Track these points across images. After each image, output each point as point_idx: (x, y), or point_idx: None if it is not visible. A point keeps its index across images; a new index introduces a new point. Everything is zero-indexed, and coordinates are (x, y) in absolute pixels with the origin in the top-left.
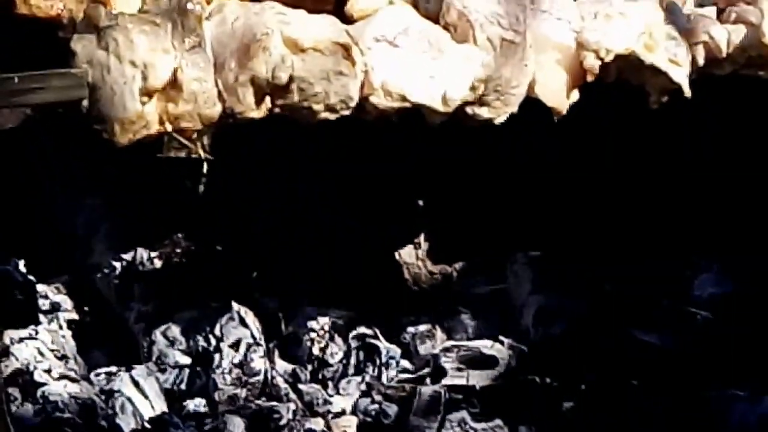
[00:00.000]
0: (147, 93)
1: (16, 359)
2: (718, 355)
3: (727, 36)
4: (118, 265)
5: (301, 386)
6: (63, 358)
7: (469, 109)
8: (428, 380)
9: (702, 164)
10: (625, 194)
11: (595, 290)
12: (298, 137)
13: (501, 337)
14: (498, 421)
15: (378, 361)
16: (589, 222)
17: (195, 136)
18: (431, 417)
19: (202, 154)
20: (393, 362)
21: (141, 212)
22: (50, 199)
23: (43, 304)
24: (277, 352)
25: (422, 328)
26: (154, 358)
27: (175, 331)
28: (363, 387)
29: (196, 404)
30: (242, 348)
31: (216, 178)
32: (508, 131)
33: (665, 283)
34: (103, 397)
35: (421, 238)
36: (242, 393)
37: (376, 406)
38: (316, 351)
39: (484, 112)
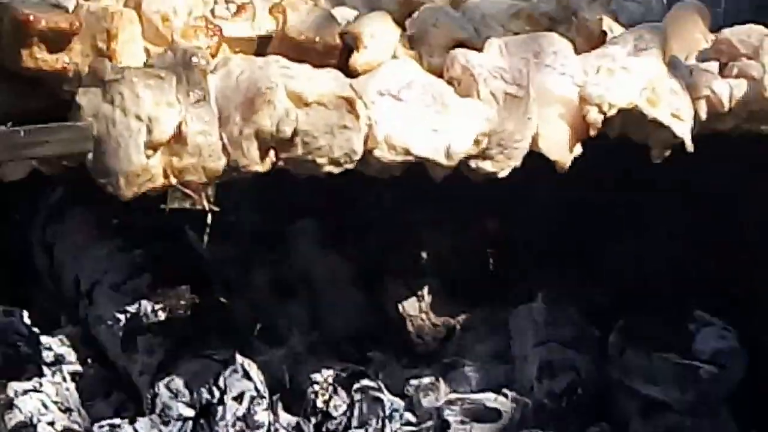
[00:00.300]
0: (152, 146)
1: (20, 411)
2: (721, 408)
3: (729, 90)
4: (122, 317)
5: None
6: (67, 410)
7: (472, 163)
8: None
9: (704, 219)
10: (628, 248)
11: (598, 343)
12: (302, 189)
13: (504, 390)
14: None
15: (381, 414)
16: (593, 275)
17: (199, 188)
18: None
19: (206, 205)
20: (396, 415)
21: (145, 264)
22: (55, 250)
23: (47, 356)
24: (280, 405)
25: (426, 380)
26: (157, 411)
27: (178, 383)
28: None
29: None
30: (246, 400)
31: (220, 229)
32: (511, 185)
33: (668, 336)
34: None
35: (425, 290)
36: None
37: None
38: (319, 403)
39: (487, 166)
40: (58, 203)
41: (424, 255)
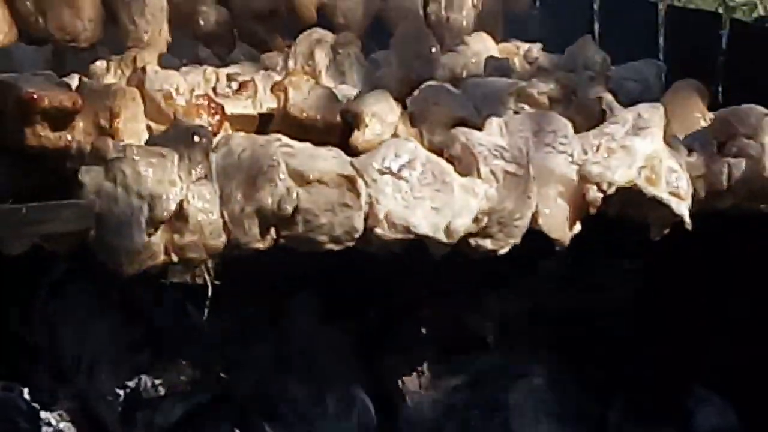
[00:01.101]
0: (154, 224)
1: None
2: None
3: (728, 169)
4: (121, 392)
5: None
6: None
7: (472, 241)
8: None
9: (703, 296)
10: (627, 325)
11: (597, 419)
12: (301, 264)
13: None
14: None
15: None
16: (592, 352)
17: (200, 264)
18: None
19: (207, 280)
20: None
21: (145, 339)
22: (55, 326)
23: (47, 431)
24: None
25: None
26: None
27: None
28: None
29: None
30: None
31: (220, 304)
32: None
33: (667, 413)
34: None
35: (425, 366)
36: None
37: None
38: None
39: (487, 244)
40: (59, 278)
41: (423, 330)
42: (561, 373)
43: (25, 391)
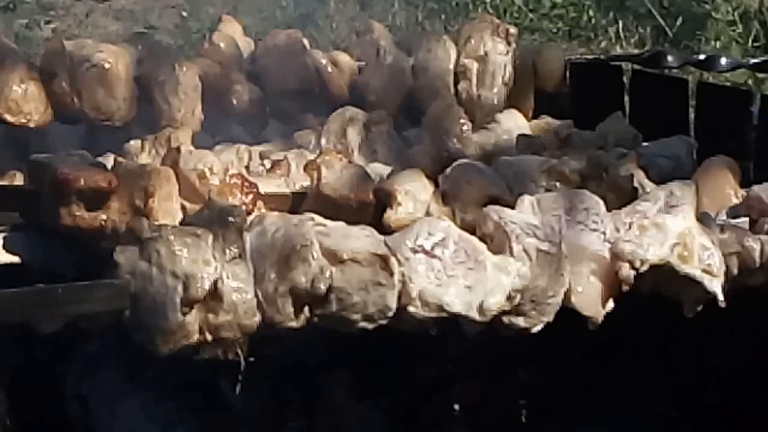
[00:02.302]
0: (188, 303)
1: None
2: None
3: (760, 246)
4: None
5: None
6: None
7: (505, 319)
8: None
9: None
10: (667, 398)
11: None
12: (335, 341)
13: None
14: None
15: None
16: (626, 425)
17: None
18: None
19: (240, 356)
20: None
21: (178, 416)
22: (89, 402)
23: None
24: None
25: None
26: None
27: None
28: None
29: None
30: None
31: (253, 380)
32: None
33: None
34: None
35: None
36: None
37: None
38: None
39: (520, 322)
40: (92, 356)
41: (456, 406)
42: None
43: None
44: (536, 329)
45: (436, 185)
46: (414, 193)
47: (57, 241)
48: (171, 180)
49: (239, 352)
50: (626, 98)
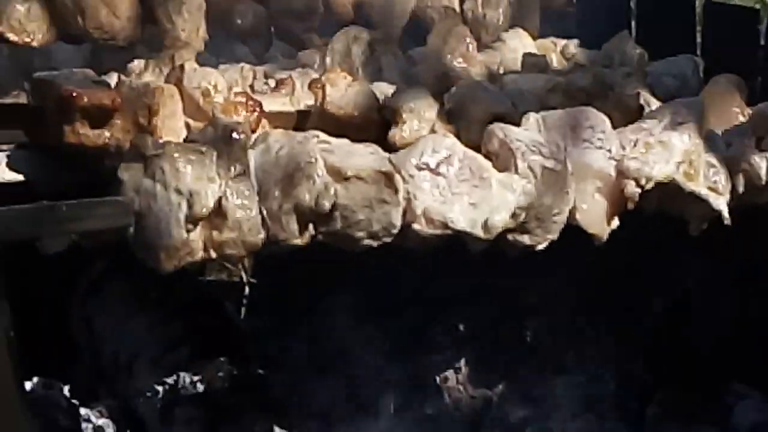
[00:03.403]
0: (192, 221)
1: None
2: None
3: (766, 163)
4: (160, 389)
5: None
6: None
7: (510, 236)
8: None
9: (743, 290)
10: (666, 319)
11: (636, 415)
12: (338, 262)
13: None
14: None
15: None
16: (632, 347)
17: (238, 261)
18: None
19: (244, 278)
20: None
21: (183, 337)
22: (94, 324)
23: (87, 428)
24: None
25: None
26: None
27: None
28: None
29: None
30: None
31: (257, 301)
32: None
33: (706, 409)
34: None
35: (462, 362)
36: None
37: None
38: None
39: (525, 239)
40: (97, 277)
41: (461, 327)
42: (599, 369)
43: (65, 388)
44: (541, 247)
45: (441, 104)
46: (419, 111)
47: (61, 159)
48: (175, 98)
49: (244, 271)
50: (633, 18)
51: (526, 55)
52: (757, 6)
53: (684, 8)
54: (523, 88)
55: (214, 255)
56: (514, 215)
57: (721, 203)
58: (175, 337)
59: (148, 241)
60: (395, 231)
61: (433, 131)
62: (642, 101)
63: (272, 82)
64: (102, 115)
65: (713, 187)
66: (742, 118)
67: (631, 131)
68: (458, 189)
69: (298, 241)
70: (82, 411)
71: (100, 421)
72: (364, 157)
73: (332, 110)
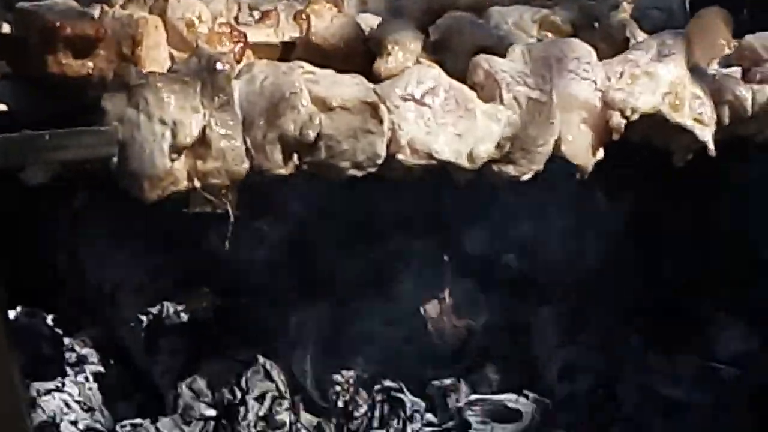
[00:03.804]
0: (176, 150)
1: (43, 411)
2: (743, 411)
3: (752, 95)
4: (144, 318)
5: None
6: (89, 410)
7: (495, 167)
8: None
9: (727, 220)
10: (651, 249)
11: (619, 345)
12: (323, 191)
13: (525, 391)
14: None
15: (403, 415)
16: (614, 277)
17: (222, 191)
18: None
19: (229, 210)
20: (417, 415)
21: (167, 266)
22: (77, 253)
23: (70, 356)
24: (302, 405)
25: (447, 381)
26: (179, 411)
27: (200, 383)
28: None
29: None
30: (267, 401)
31: (241, 232)
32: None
33: (690, 338)
34: None
35: (446, 292)
36: None
37: None
38: (340, 404)
39: (510, 170)
40: (81, 207)
41: (445, 257)
42: (583, 299)
43: (49, 317)
44: (526, 177)
45: (427, 36)
46: (404, 43)
47: (44, 89)
48: (159, 28)
49: (228, 204)
50: None
51: None
52: None
53: None
54: (508, 20)
55: (198, 185)
56: (498, 146)
57: (706, 135)
58: (159, 267)
59: (132, 170)
60: (380, 161)
61: (418, 62)
62: (628, 33)
63: (257, 14)
64: (85, 46)
65: (699, 119)
66: (728, 50)
67: (617, 62)
68: (443, 119)
69: (282, 171)
70: (66, 340)
71: (84, 350)
72: (349, 87)
73: (317, 41)
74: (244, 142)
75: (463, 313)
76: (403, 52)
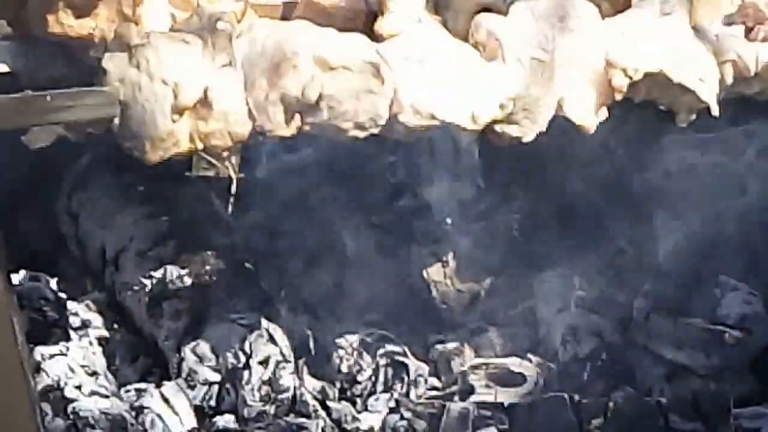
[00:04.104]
0: (178, 111)
1: (47, 375)
2: (746, 374)
3: (755, 54)
4: (147, 282)
5: (329, 403)
6: (93, 374)
7: (497, 127)
8: (456, 397)
9: (726, 184)
10: (654, 214)
11: (623, 308)
12: (326, 156)
13: (529, 355)
14: None
15: (406, 379)
16: (618, 241)
17: (225, 154)
18: None
19: (231, 173)
20: (421, 380)
21: (170, 230)
22: (80, 218)
23: (74, 321)
24: (305, 369)
25: (450, 345)
26: (183, 375)
27: (204, 347)
28: (391, 404)
29: (225, 421)
30: (271, 365)
31: (244, 196)
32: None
33: (693, 301)
34: (133, 413)
35: (449, 256)
36: (271, 410)
37: (404, 422)
38: (344, 368)
39: (513, 131)
40: (84, 170)
41: (448, 221)
42: (587, 262)
43: (53, 281)
44: (528, 138)
45: None
46: (406, 2)
47: (45, 49)
48: None
49: (230, 171)
50: None
51: None
52: None
53: None
54: None
55: (200, 146)
56: (501, 106)
57: (709, 94)
58: (162, 231)
59: (134, 131)
60: (382, 122)
61: (420, 21)
62: None
63: None
64: (86, 5)
65: (701, 78)
66: (731, 8)
67: (620, 21)
68: (445, 80)
69: (284, 132)
70: (69, 304)
71: (88, 315)
72: (351, 47)
73: (319, 0)
74: (246, 102)
75: (466, 276)
76: (405, 11)
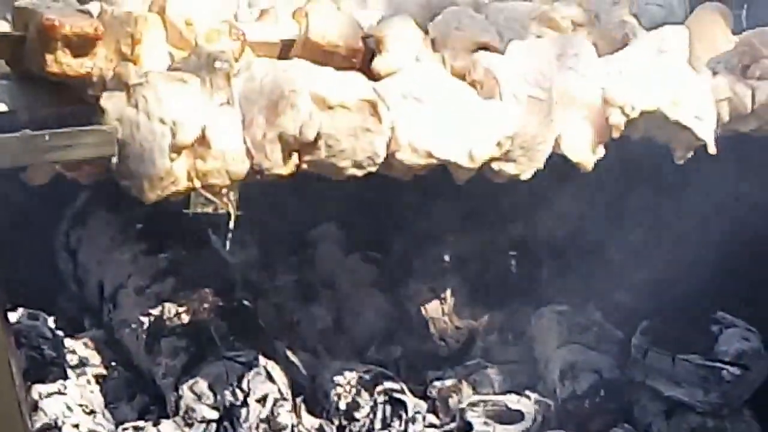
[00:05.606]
0: (176, 150)
1: (45, 414)
2: (744, 410)
3: (751, 92)
4: (145, 320)
5: None
6: (91, 412)
7: (495, 165)
8: None
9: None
10: (651, 251)
11: (621, 345)
12: (323, 193)
13: (527, 392)
14: None
15: (404, 416)
16: (616, 277)
17: (223, 191)
18: None
19: (230, 210)
20: (419, 417)
21: (168, 268)
22: (79, 255)
23: (72, 359)
24: (303, 407)
25: (448, 382)
26: (181, 413)
27: (202, 385)
28: None
29: None
30: (269, 403)
31: (244, 234)
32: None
33: (691, 338)
34: None
35: (447, 293)
36: None
37: None
38: (342, 405)
39: (510, 168)
40: (82, 208)
41: (446, 258)
42: (585, 300)
43: (50, 319)
44: (526, 176)
45: (426, 33)
46: (403, 40)
47: (44, 88)
48: (158, 26)
49: (229, 206)
50: None
51: None
52: None
53: None
54: (508, 16)
55: (198, 184)
56: (499, 144)
57: (706, 132)
58: (160, 268)
59: (132, 170)
60: (380, 160)
61: (417, 60)
62: (627, 30)
63: (256, 11)
64: (84, 44)
65: (698, 116)
66: (727, 47)
67: (617, 59)
68: (443, 118)
69: (282, 170)
70: (67, 342)
71: (85, 352)
72: (348, 85)
73: (316, 39)
74: (244, 141)
75: (464, 313)
76: (403, 50)
